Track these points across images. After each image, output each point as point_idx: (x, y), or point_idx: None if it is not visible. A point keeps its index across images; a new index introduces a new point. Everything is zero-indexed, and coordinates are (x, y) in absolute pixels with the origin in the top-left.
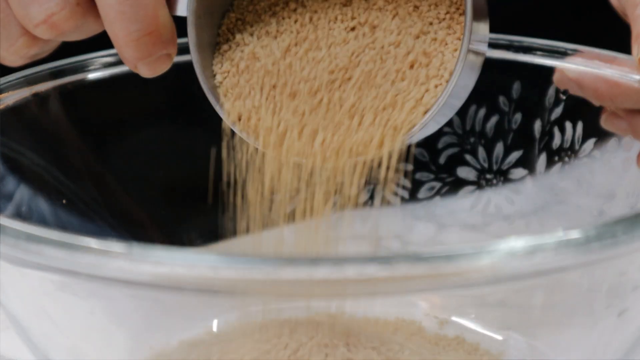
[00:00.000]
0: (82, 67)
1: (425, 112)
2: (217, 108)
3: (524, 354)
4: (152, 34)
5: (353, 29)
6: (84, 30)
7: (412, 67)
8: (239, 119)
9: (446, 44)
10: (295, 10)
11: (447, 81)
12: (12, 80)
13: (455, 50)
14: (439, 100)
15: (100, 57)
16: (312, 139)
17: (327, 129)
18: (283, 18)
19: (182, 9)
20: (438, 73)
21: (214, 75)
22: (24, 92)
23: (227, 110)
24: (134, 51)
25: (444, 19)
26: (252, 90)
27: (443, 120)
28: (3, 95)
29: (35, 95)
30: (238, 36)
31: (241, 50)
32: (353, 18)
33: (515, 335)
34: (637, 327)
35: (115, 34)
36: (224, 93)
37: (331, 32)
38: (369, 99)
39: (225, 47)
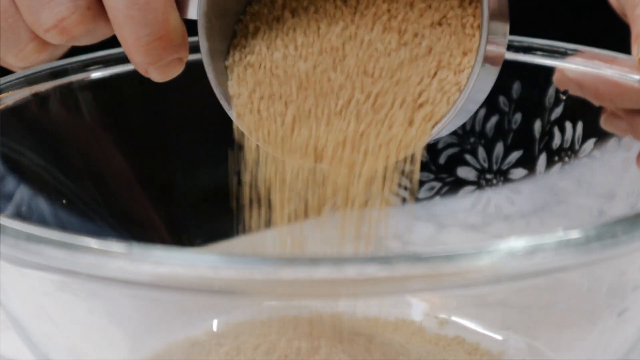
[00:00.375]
0: (82, 67)
1: (440, 120)
2: (230, 113)
3: (524, 354)
4: (162, 38)
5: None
6: (95, 35)
7: (427, 74)
8: (254, 127)
9: (463, 52)
10: (311, 23)
11: (462, 88)
12: (12, 80)
13: (469, 62)
14: (454, 107)
15: (101, 56)
16: (327, 148)
17: (342, 139)
18: (298, 24)
19: (192, 12)
20: (454, 80)
21: (228, 81)
22: (24, 92)
23: (238, 114)
24: (143, 56)
25: (459, 24)
26: (266, 100)
27: (458, 124)
28: (3, 95)
29: (35, 95)
30: (252, 42)
31: (256, 57)
32: (371, 26)
33: (515, 335)
34: (637, 327)
35: (125, 38)
36: (237, 102)
37: (346, 40)
38: (384, 108)
39: (239, 53)
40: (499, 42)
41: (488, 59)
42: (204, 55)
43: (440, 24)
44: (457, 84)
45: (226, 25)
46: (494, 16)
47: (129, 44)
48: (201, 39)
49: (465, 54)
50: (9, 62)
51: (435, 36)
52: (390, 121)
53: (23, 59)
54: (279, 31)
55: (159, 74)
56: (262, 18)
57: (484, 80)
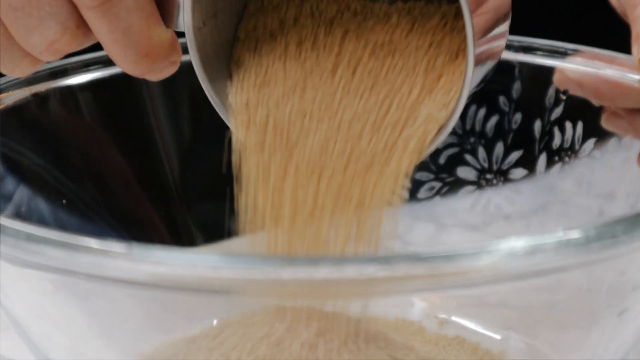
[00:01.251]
0: (82, 67)
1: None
2: (225, 118)
3: (524, 354)
4: (148, 55)
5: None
6: (87, 43)
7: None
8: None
9: (455, 57)
10: (315, 45)
11: (456, 103)
12: (12, 80)
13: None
14: (449, 122)
15: (101, 56)
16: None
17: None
18: (291, 50)
19: (181, 24)
20: (444, 99)
21: (229, 100)
22: (24, 92)
23: (235, 126)
24: (134, 70)
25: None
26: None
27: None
28: (3, 95)
29: (35, 95)
30: (249, 63)
31: (253, 78)
32: (366, 43)
33: (515, 335)
34: (637, 327)
35: (113, 57)
36: (236, 117)
37: (340, 65)
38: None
39: (236, 76)
40: (492, 46)
41: (480, 61)
42: (196, 68)
43: (430, 45)
44: (444, 105)
45: (217, 32)
46: (479, 33)
47: (119, 61)
48: (191, 52)
49: (452, 59)
50: (5, 73)
51: (421, 54)
52: (373, 144)
53: (19, 73)
54: (275, 54)
55: (154, 78)
56: (257, 36)
57: (477, 75)
